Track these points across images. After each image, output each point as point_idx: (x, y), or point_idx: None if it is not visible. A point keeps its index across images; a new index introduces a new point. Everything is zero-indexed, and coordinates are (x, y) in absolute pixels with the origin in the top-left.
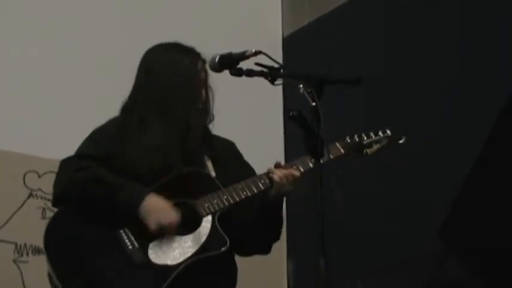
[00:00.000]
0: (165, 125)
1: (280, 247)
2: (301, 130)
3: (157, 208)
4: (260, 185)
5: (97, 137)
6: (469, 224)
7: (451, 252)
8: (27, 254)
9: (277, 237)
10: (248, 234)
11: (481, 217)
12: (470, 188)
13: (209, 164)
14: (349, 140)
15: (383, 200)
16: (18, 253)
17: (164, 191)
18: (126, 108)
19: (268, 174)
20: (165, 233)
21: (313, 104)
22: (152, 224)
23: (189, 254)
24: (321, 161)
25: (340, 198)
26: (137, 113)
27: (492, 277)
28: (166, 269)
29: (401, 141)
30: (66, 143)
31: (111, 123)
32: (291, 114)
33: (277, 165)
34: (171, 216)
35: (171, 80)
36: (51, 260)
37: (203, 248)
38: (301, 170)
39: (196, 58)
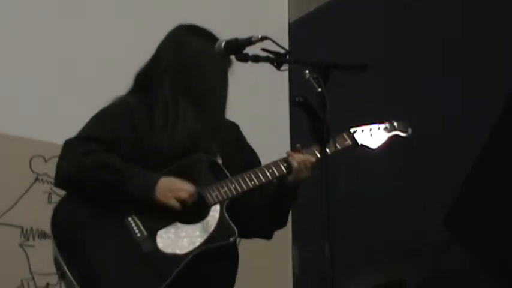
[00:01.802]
0: (196, 116)
1: (285, 234)
2: (307, 116)
3: (171, 186)
4: (268, 174)
5: (105, 117)
6: (473, 213)
7: (455, 241)
8: (34, 238)
9: (283, 225)
10: (257, 220)
11: (485, 207)
12: (474, 178)
13: (214, 150)
14: (356, 131)
15: (388, 188)
16: (24, 237)
17: (172, 177)
18: (144, 85)
19: (278, 163)
20: (187, 205)
21: (319, 89)
22: (173, 202)
23: (198, 244)
24: (328, 151)
25: (344, 183)
26: (167, 97)
27: (496, 267)
28: (175, 258)
29: (407, 134)
30: (73, 128)
31: (122, 104)
32: (296, 100)
33: (297, 150)
34: (187, 188)
35: (211, 75)
36: (58, 244)
37: (211, 238)
38: (317, 155)
39: None
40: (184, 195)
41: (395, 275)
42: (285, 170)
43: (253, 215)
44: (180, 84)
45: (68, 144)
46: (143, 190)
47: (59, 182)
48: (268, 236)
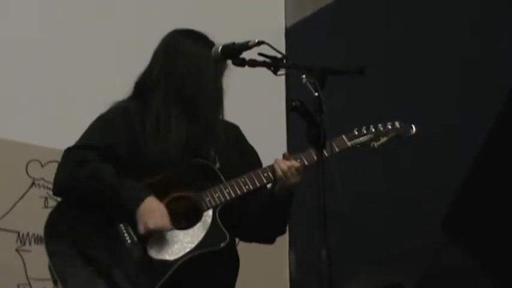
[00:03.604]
0: (189, 124)
1: (282, 238)
2: (304, 120)
3: (147, 212)
4: (263, 178)
5: (103, 124)
6: (472, 215)
7: (453, 243)
8: (30, 243)
9: (282, 232)
10: (254, 225)
11: (484, 209)
12: (473, 180)
13: (213, 154)
14: (356, 133)
15: (386, 189)
16: (20, 242)
17: (167, 183)
18: (141, 92)
19: (272, 167)
20: (153, 235)
21: (316, 94)
22: (140, 226)
23: (188, 250)
24: (326, 154)
25: (339, 181)
26: (158, 106)
27: (495, 269)
28: (164, 264)
29: (410, 134)
30: (69, 132)
31: (119, 109)
32: (293, 104)
33: (284, 157)
34: (160, 222)
35: (203, 81)
36: (50, 253)
37: (202, 244)
38: (305, 163)
39: None
40: (150, 226)
41: (394, 277)
42: (271, 176)
43: (249, 218)
44: (172, 92)
45: (66, 154)
46: (128, 207)
47: (55, 192)
48: (269, 240)
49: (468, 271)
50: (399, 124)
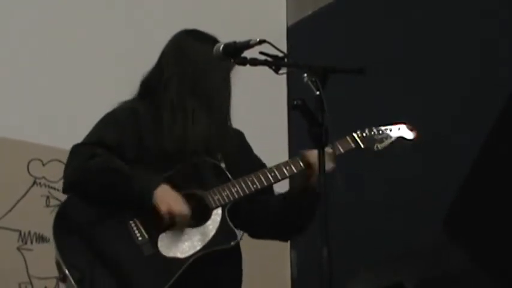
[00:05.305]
0: (208, 122)
1: None
2: (305, 119)
3: (170, 197)
4: (270, 178)
5: (110, 122)
6: (473, 215)
7: (454, 243)
8: (31, 242)
9: (306, 227)
10: (275, 223)
11: (484, 209)
12: (474, 180)
13: (219, 156)
14: (360, 134)
15: (386, 190)
16: (22, 241)
17: (175, 181)
18: (148, 91)
19: (281, 166)
20: (174, 223)
21: (317, 93)
22: (164, 208)
23: (198, 248)
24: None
25: (340, 178)
26: (173, 101)
27: (495, 269)
28: (175, 261)
29: (412, 138)
30: (71, 131)
31: (127, 109)
32: (294, 103)
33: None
34: (182, 208)
35: (214, 82)
36: (59, 247)
37: (212, 242)
38: (341, 150)
39: None
40: (175, 209)
41: (395, 277)
42: (287, 174)
43: (269, 216)
44: (185, 90)
45: (73, 151)
46: (142, 193)
47: (65, 188)
48: (286, 238)
49: (468, 271)
50: (401, 127)
